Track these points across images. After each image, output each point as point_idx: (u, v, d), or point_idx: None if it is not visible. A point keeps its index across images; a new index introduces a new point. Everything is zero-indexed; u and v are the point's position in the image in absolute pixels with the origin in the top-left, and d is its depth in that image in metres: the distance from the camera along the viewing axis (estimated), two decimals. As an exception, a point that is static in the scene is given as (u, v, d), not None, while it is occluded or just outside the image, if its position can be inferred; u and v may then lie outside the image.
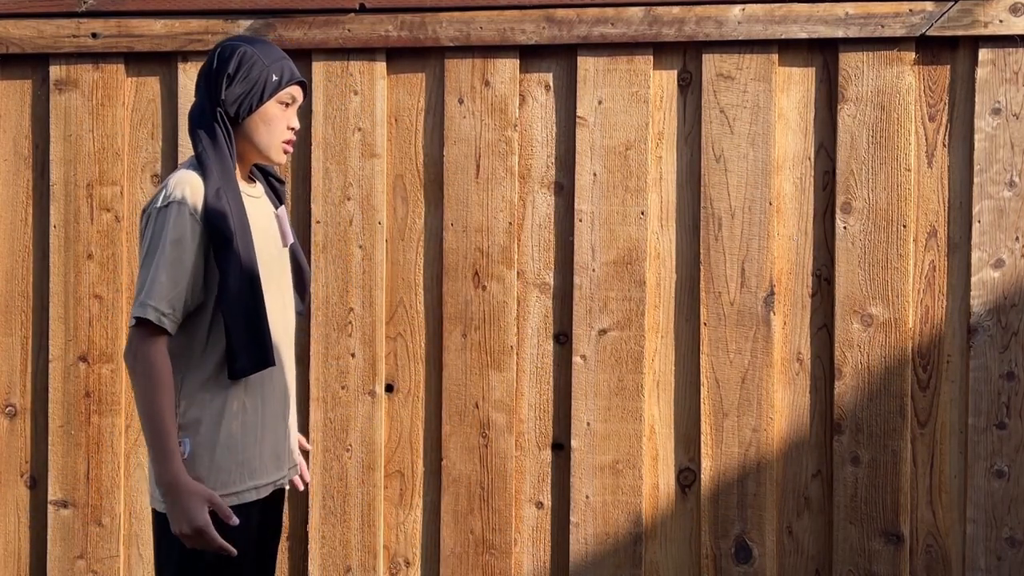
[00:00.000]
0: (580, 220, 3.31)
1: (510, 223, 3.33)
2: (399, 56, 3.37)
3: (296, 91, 2.51)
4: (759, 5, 3.23)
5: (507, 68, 3.32)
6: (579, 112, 3.30)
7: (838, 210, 3.23)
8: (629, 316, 3.30)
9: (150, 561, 3.38)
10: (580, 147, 3.30)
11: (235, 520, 2.33)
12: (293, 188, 3.39)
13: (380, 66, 3.36)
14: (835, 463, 3.25)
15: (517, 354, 3.33)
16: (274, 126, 2.47)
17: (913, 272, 3.23)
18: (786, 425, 3.28)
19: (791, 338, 3.27)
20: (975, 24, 3.17)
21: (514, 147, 3.33)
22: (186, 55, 3.38)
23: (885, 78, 3.22)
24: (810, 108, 3.27)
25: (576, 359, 3.31)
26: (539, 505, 3.35)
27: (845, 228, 3.23)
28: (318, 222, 3.36)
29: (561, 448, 3.34)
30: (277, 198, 2.65)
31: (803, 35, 3.22)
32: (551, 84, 3.33)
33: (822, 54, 3.26)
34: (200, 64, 2.74)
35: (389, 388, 3.38)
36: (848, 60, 3.22)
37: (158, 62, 3.42)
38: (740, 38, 3.23)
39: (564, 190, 3.33)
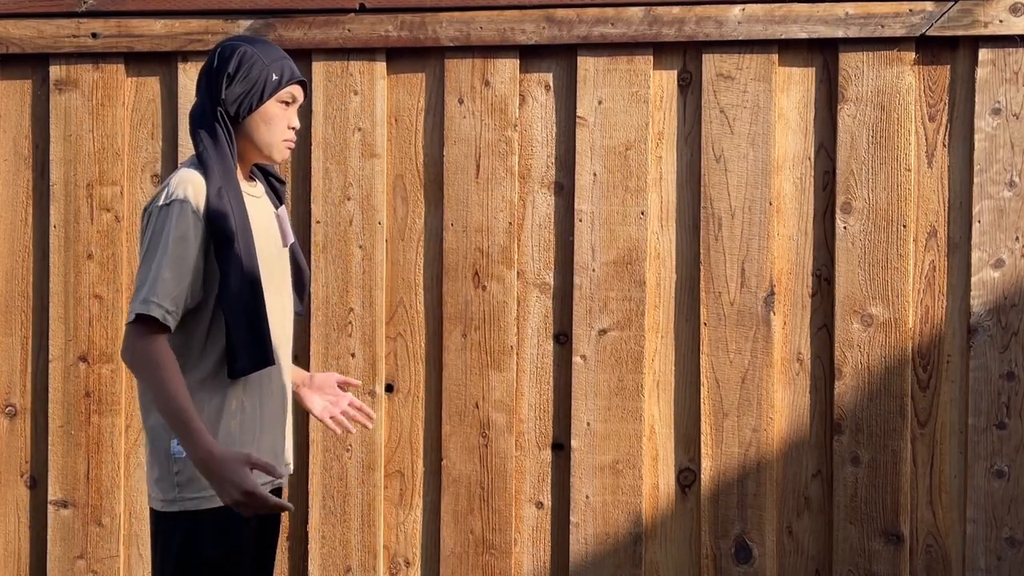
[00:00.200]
0: (580, 220, 3.31)
1: (510, 223, 3.33)
2: (399, 56, 3.37)
3: (296, 90, 2.50)
4: (759, 5, 3.23)
5: (507, 68, 3.32)
6: (579, 112, 3.30)
7: (838, 210, 3.23)
8: (629, 316, 3.30)
9: (150, 561, 3.38)
10: (580, 147, 3.30)
11: (279, 471, 2.28)
12: (293, 188, 3.39)
13: (380, 66, 3.36)
14: (835, 463, 3.25)
15: (517, 354, 3.33)
16: (275, 125, 2.47)
17: (913, 272, 3.23)
18: (786, 425, 3.28)
19: (791, 338, 3.28)
20: (975, 24, 3.17)
21: (514, 147, 3.33)
22: (186, 55, 3.38)
23: (885, 78, 3.22)
24: (810, 108, 3.27)
25: (576, 359, 3.31)
26: (539, 505, 3.35)
27: (845, 228, 3.23)
28: (318, 222, 3.36)
29: (561, 448, 3.34)
30: (277, 198, 2.65)
31: (803, 35, 3.22)
32: (551, 84, 3.34)
33: (822, 54, 3.26)
34: (200, 64, 2.73)
35: (389, 388, 3.38)
36: (848, 60, 3.22)
37: (158, 62, 3.42)
38: (740, 38, 3.23)
39: (564, 190, 3.33)
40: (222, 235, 2.36)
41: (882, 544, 3.24)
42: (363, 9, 3.34)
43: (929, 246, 3.24)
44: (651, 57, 3.28)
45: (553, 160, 3.34)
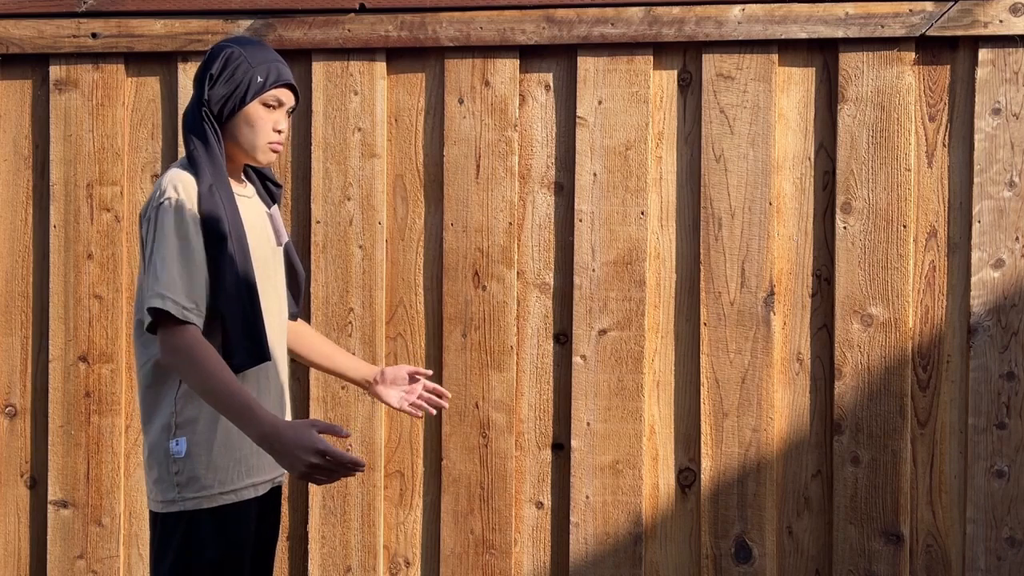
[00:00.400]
0: (580, 220, 3.31)
1: (510, 223, 3.33)
2: (399, 56, 3.37)
3: (282, 94, 2.48)
4: (759, 5, 3.23)
5: (507, 68, 3.32)
6: (579, 112, 3.30)
7: (838, 210, 3.23)
8: (629, 316, 3.30)
9: (149, 562, 3.38)
10: (580, 147, 3.30)
11: (346, 432, 2.26)
12: (293, 188, 3.39)
13: (380, 66, 3.36)
14: (835, 463, 3.25)
15: (517, 354, 3.33)
16: (258, 127, 2.46)
17: (913, 272, 3.23)
18: (786, 425, 3.28)
19: (791, 338, 3.28)
20: (975, 24, 3.17)
21: (514, 147, 3.33)
22: (186, 55, 3.38)
23: (885, 78, 3.22)
24: (810, 108, 3.27)
25: (576, 359, 3.31)
26: (539, 505, 3.35)
27: (845, 228, 3.23)
28: (318, 222, 3.36)
29: (561, 448, 3.34)
30: (272, 200, 2.64)
31: (803, 35, 3.22)
32: (551, 84, 3.33)
33: (822, 54, 3.26)
34: (200, 64, 2.74)
35: (389, 388, 3.38)
36: (848, 60, 3.22)
37: (158, 62, 3.42)
38: (740, 38, 3.23)
39: (564, 190, 3.33)
40: (215, 232, 2.36)
41: (882, 544, 3.24)
42: (363, 9, 3.34)
43: (929, 246, 3.24)
44: (651, 57, 3.29)
45: (553, 160, 3.34)
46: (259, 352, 2.40)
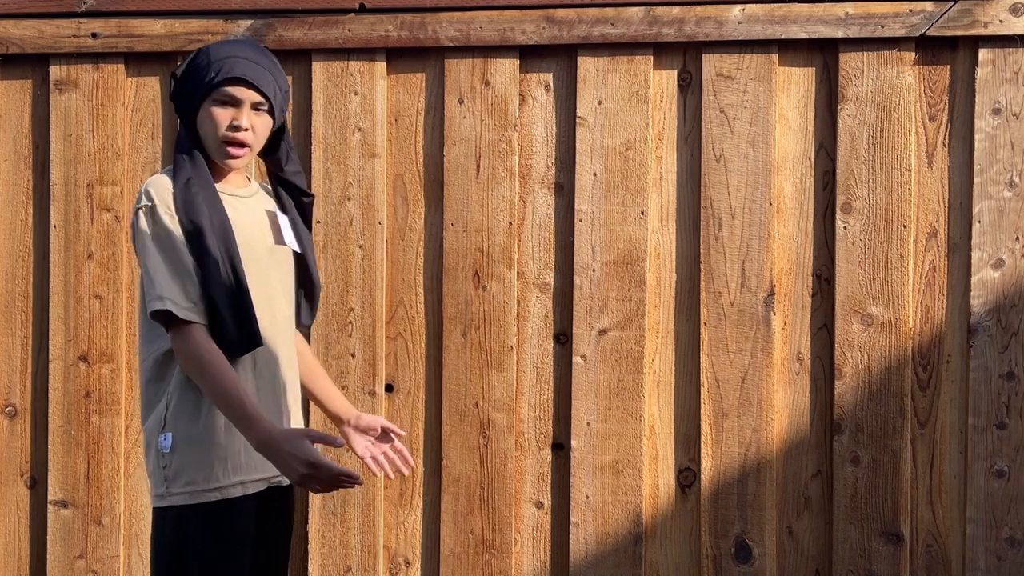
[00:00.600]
0: (580, 220, 3.31)
1: (510, 223, 3.33)
2: (399, 56, 3.37)
3: (237, 90, 2.42)
4: (759, 5, 3.23)
5: (507, 68, 3.32)
6: (579, 112, 3.30)
7: (838, 210, 3.23)
8: (629, 316, 3.30)
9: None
10: (580, 147, 3.30)
11: (340, 440, 2.27)
12: (293, 188, 3.39)
13: (380, 66, 3.36)
14: (835, 463, 3.25)
15: (517, 354, 3.34)
16: (208, 126, 2.44)
17: (913, 272, 3.23)
18: (786, 425, 3.28)
19: (791, 338, 3.28)
20: (975, 24, 3.17)
21: (514, 147, 3.33)
22: (186, 55, 3.38)
23: (885, 78, 3.22)
24: (810, 108, 3.27)
25: (576, 359, 3.31)
26: (539, 505, 3.35)
27: (845, 228, 3.23)
28: (318, 222, 3.36)
29: (561, 448, 3.34)
30: (299, 211, 2.63)
31: (803, 35, 3.22)
32: (551, 84, 3.33)
33: (822, 54, 3.26)
34: (200, 64, 2.74)
35: (389, 388, 3.38)
36: (848, 60, 3.22)
37: (158, 62, 3.42)
38: (740, 38, 3.23)
39: (564, 190, 3.33)
40: (193, 224, 2.37)
41: (882, 544, 3.24)
42: (363, 9, 3.34)
43: (929, 246, 3.24)
44: (651, 57, 3.29)
45: (553, 160, 3.34)
46: (249, 337, 2.39)
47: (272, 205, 2.62)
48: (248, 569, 2.45)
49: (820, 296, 3.27)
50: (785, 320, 3.28)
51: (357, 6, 3.34)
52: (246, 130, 2.44)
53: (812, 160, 3.27)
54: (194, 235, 2.37)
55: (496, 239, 3.33)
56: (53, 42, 3.42)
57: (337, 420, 2.76)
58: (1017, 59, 3.19)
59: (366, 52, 3.35)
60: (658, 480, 3.32)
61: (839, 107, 3.23)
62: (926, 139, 3.24)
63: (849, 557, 3.24)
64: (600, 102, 3.30)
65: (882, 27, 3.20)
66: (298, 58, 3.34)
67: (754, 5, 3.23)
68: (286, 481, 2.58)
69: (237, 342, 2.38)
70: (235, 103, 2.43)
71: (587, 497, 3.32)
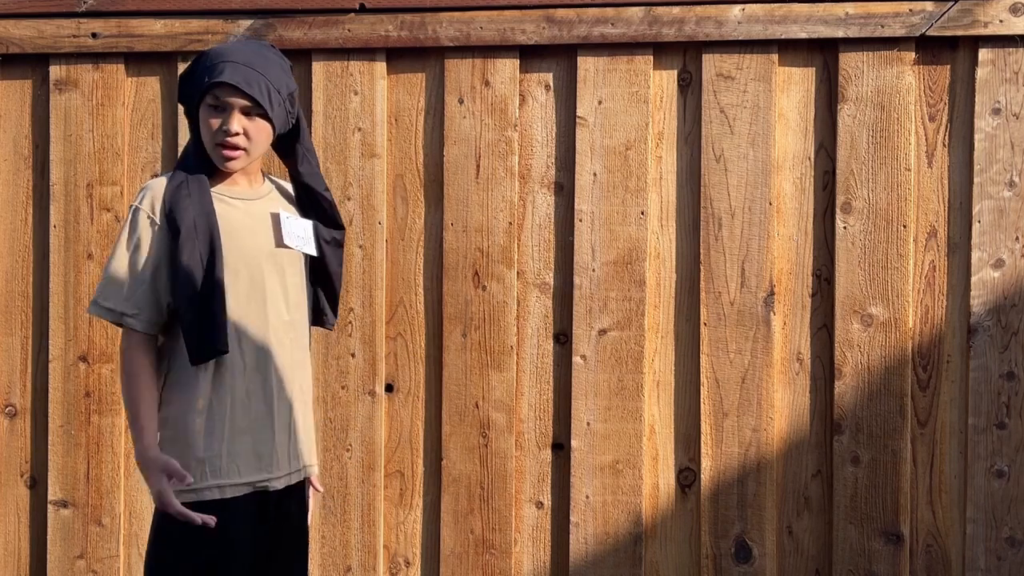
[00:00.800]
0: (580, 220, 3.31)
1: (510, 223, 3.33)
2: (399, 56, 3.37)
3: (224, 93, 2.42)
4: (759, 5, 3.23)
5: (507, 68, 3.32)
6: (579, 112, 3.30)
7: (838, 210, 3.23)
8: (629, 316, 3.30)
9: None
10: (580, 147, 3.30)
11: (189, 479, 2.36)
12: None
13: (380, 66, 3.36)
14: (835, 463, 3.25)
15: (517, 354, 3.33)
16: (207, 129, 2.46)
17: (913, 272, 3.23)
18: (786, 425, 3.28)
19: (791, 338, 3.28)
20: (975, 24, 3.17)
21: (514, 147, 3.33)
22: (186, 55, 3.38)
23: (885, 78, 3.22)
24: (810, 108, 3.27)
25: (576, 359, 3.31)
26: (539, 505, 3.35)
27: (845, 228, 3.23)
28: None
29: (561, 448, 3.34)
30: (327, 220, 2.62)
31: (803, 35, 3.22)
32: (551, 84, 3.33)
33: (822, 54, 3.26)
34: (200, 64, 2.74)
35: (389, 388, 3.38)
36: (848, 60, 3.22)
37: (158, 62, 3.42)
38: (740, 38, 3.23)
39: (564, 190, 3.33)
40: (173, 226, 2.41)
41: (882, 544, 3.24)
42: (363, 9, 3.34)
43: (929, 246, 3.24)
44: (651, 57, 3.28)
45: (553, 160, 3.34)
46: (210, 344, 2.40)
47: (284, 207, 2.61)
48: (234, 572, 2.45)
49: (820, 296, 3.27)
50: (785, 320, 3.28)
51: (357, 6, 3.34)
52: (236, 134, 2.44)
53: (812, 160, 3.27)
54: (173, 239, 2.40)
55: (496, 239, 3.33)
56: (53, 42, 3.42)
57: None
58: (1017, 59, 3.19)
59: (366, 52, 3.35)
60: (658, 480, 3.32)
61: (839, 107, 3.23)
62: (926, 139, 3.23)
63: (849, 557, 3.24)
64: (600, 102, 3.30)
65: (882, 27, 3.20)
66: (298, 58, 3.34)
67: (754, 5, 3.23)
68: (280, 485, 2.56)
69: (197, 348, 2.40)
70: (223, 107, 2.43)
71: (587, 497, 3.32)
